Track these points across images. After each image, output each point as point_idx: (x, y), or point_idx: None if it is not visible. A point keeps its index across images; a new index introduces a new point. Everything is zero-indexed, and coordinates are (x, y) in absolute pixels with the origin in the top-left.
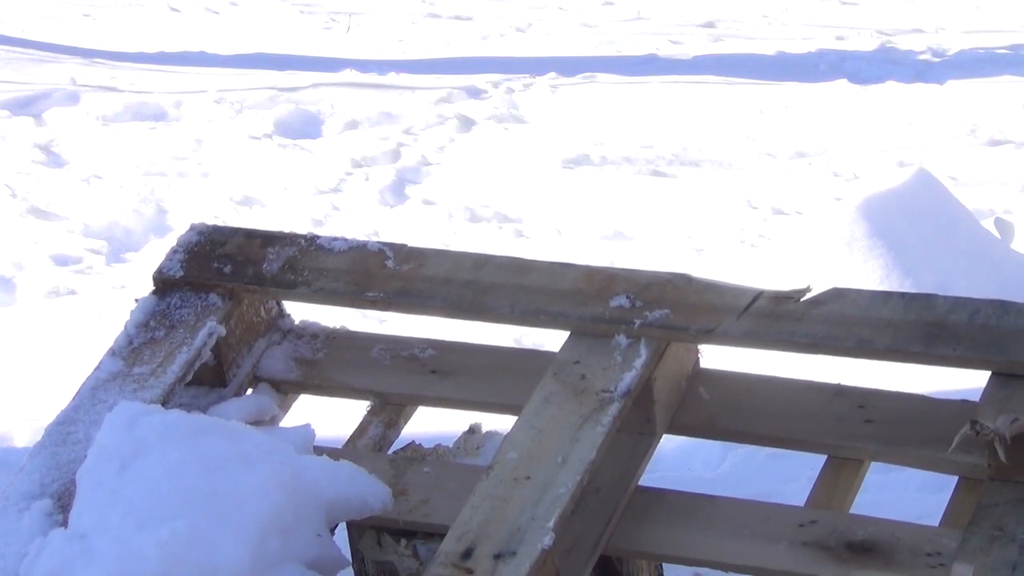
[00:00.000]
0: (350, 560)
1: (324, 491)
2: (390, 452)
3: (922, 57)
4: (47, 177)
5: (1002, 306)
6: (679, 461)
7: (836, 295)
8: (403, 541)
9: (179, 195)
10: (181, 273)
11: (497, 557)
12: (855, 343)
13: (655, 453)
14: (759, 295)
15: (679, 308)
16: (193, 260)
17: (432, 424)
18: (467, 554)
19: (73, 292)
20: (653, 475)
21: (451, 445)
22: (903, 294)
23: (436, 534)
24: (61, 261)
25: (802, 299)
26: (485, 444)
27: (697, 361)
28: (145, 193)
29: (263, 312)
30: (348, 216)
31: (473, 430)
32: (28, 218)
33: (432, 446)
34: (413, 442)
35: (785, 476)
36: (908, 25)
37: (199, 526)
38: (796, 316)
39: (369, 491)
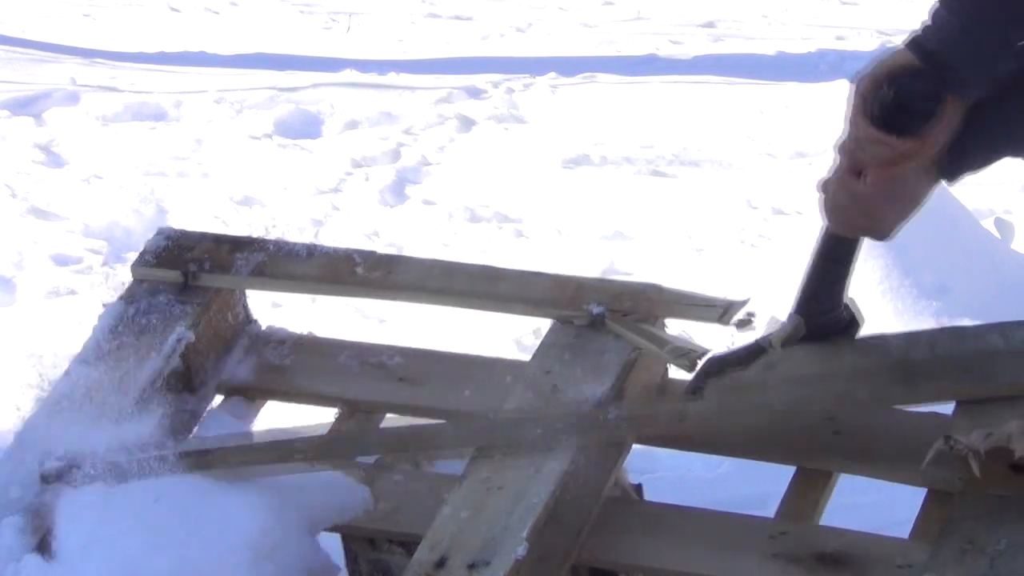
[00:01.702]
0: (340, 566)
1: (303, 501)
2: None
3: None
4: (47, 177)
5: (955, 333)
6: (679, 462)
7: (785, 356)
8: None
9: (179, 195)
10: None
11: (471, 567)
12: (835, 398)
13: (654, 455)
14: (728, 307)
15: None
16: (162, 266)
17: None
18: (440, 563)
19: (73, 292)
20: (653, 475)
21: None
22: (848, 341)
23: None
24: (61, 261)
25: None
26: None
27: (666, 371)
28: (145, 193)
29: (231, 318)
30: (348, 216)
31: None
32: (28, 218)
33: None
34: None
35: (785, 477)
36: (908, 25)
37: (191, 557)
38: (759, 385)
39: (347, 494)
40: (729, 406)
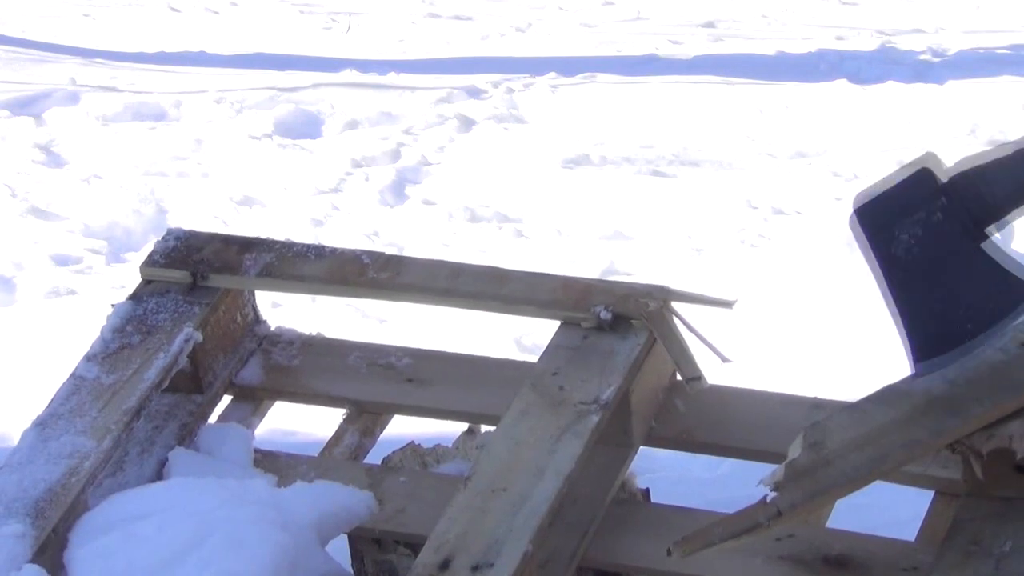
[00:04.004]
0: (350, 572)
1: (309, 514)
2: (382, 456)
3: (922, 57)
4: (47, 177)
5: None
6: (678, 462)
7: (820, 432)
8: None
9: (179, 195)
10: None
11: (475, 569)
12: (901, 448)
13: (654, 455)
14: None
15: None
16: (171, 266)
17: (430, 425)
18: (444, 565)
19: (73, 292)
20: (652, 476)
21: (450, 446)
22: (863, 405)
23: None
24: (61, 261)
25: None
26: (485, 445)
27: (674, 373)
28: (145, 193)
29: (239, 318)
30: (348, 216)
31: (472, 431)
32: (28, 218)
33: (431, 446)
34: (412, 442)
35: None
36: (908, 25)
37: None
38: (822, 463)
39: (352, 500)
40: (812, 491)
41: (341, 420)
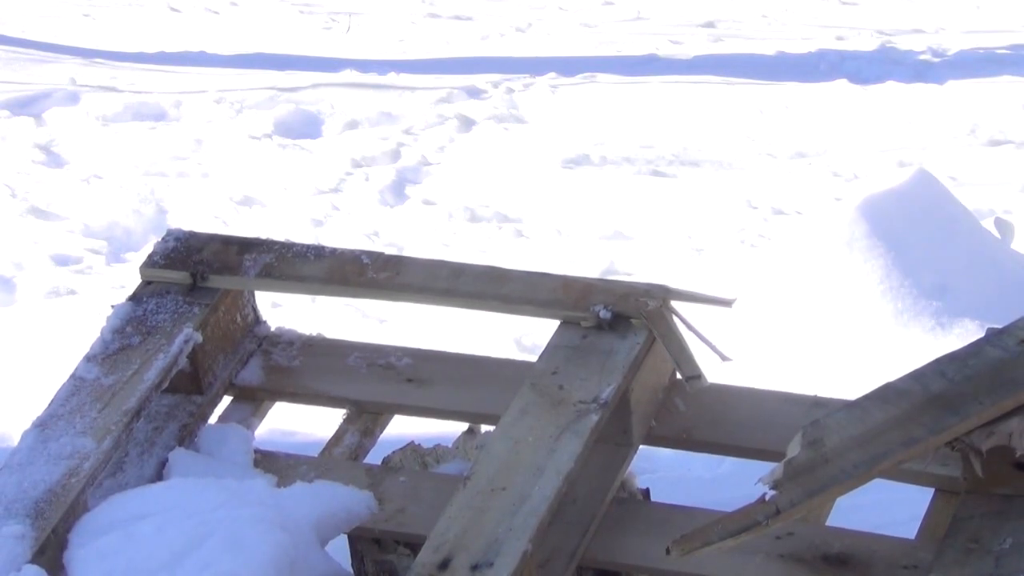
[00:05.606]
0: (351, 572)
1: (310, 514)
2: (382, 456)
3: (922, 57)
4: (47, 177)
5: (952, 357)
6: (678, 462)
7: (818, 430)
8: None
9: (179, 195)
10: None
11: (474, 568)
12: (902, 445)
13: (654, 454)
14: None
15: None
16: (170, 267)
17: (430, 425)
18: (444, 565)
19: (73, 292)
20: (653, 476)
21: (450, 446)
22: (862, 402)
23: None
24: (61, 261)
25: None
26: (484, 444)
27: (674, 372)
28: (145, 193)
29: (239, 319)
30: (348, 216)
31: (472, 431)
32: (28, 218)
33: (431, 446)
34: (412, 442)
35: None
36: (908, 25)
37: None
38: (820, 461)
39: (352, 500)
40: (811, 489)
41: (341, 420)
